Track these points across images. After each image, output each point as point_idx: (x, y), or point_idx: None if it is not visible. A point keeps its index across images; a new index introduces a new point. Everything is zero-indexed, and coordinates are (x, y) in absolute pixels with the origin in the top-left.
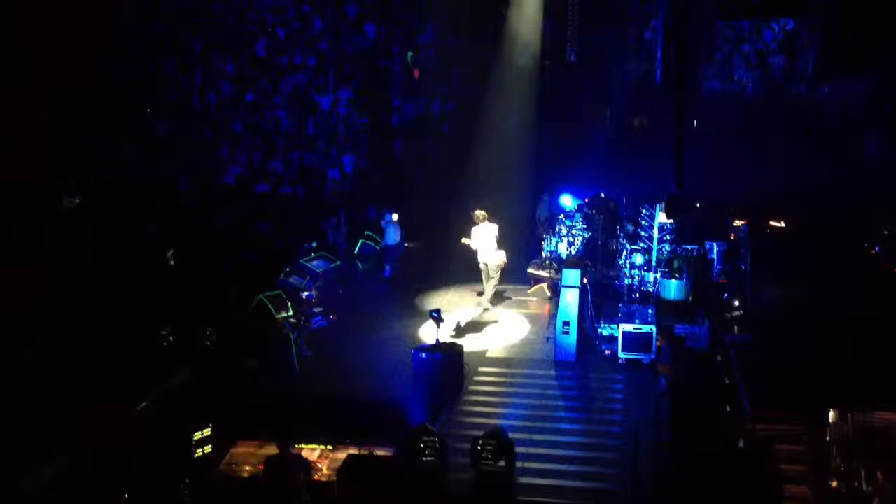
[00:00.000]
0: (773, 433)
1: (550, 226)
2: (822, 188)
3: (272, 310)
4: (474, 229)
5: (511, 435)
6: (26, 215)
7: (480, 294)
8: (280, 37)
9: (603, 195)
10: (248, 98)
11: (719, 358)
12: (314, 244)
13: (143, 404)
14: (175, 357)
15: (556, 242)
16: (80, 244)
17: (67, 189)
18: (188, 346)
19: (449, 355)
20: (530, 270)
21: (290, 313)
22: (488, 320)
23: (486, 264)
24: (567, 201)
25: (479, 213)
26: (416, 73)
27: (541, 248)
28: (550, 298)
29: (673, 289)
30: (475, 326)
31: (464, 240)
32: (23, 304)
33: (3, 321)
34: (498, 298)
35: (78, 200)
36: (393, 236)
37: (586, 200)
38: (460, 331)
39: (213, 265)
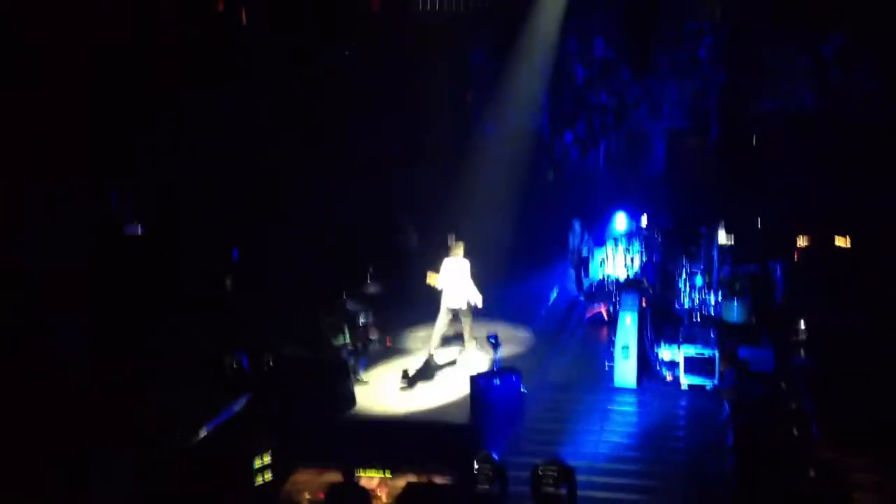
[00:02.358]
0: (844, 461)
1: (580, 256)
2: (886, 206)
3: (330, 336)
4: (446, 262)
5: (571, 461)
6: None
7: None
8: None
9: (660, 215)
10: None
11: (784, 385)
12: (371, 269)
13: (205, 430)
14: (238, 384)
15: (613, 266)
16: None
17: (126, 211)
18: (250, 373)
19: (508, 381)
20: (583, 298)
21: (348, 339)
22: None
23: (456, 309)
24: (621, 221)
25: (455, 243)
26: (468, 96)
27: (586, 275)
28: (608, 322)
29: (735, 311)
30: (524, 355)
31: (429, 278)
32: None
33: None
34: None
35: (140, 230)
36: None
37: (644, 221)
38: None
39: (272, 291)
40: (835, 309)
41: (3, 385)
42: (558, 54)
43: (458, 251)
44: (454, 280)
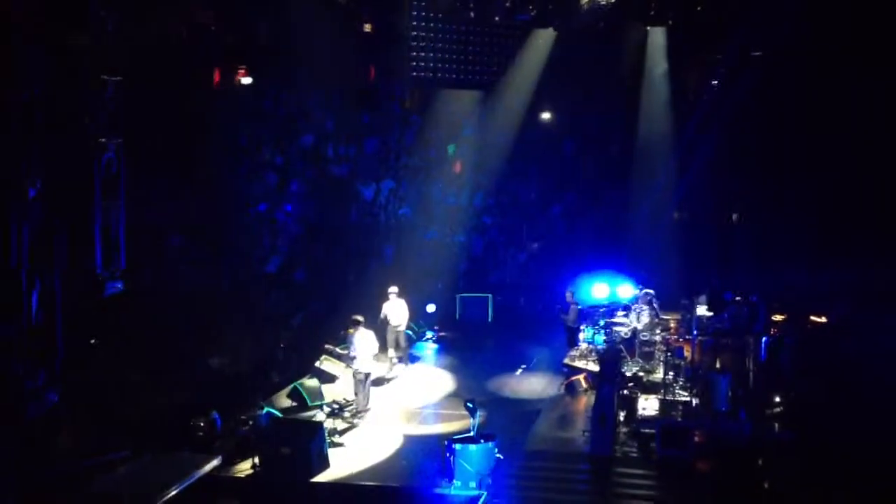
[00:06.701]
0: None
1: (567, 325)
2: (868, 283)
3: (306, 398)
4: (357, 336)
5: None
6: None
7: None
8: (328, 128)
9: (643, 286)
10: (293, 188)
11: (760, 462)
12: (351, 331)
13: (174, 491)
14: (210, 445)
15: (594, 334)
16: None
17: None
18: (223, 433)
19: (483, 446)
20: (566, 362)
21: (324, 401)
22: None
23: (366, 373)
24: (603, 291)
25: (357, 317)
26: (458, 166)
27: (575, 340)
28: (587, 391)
29: (713, 383)
30: (500, 420)
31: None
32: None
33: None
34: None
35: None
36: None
37: (626, 291)
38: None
39: (252, 353)
40: (809, 382)
41: None
42: (548, 127)
43: (358, 324)
44: (366, 348)
